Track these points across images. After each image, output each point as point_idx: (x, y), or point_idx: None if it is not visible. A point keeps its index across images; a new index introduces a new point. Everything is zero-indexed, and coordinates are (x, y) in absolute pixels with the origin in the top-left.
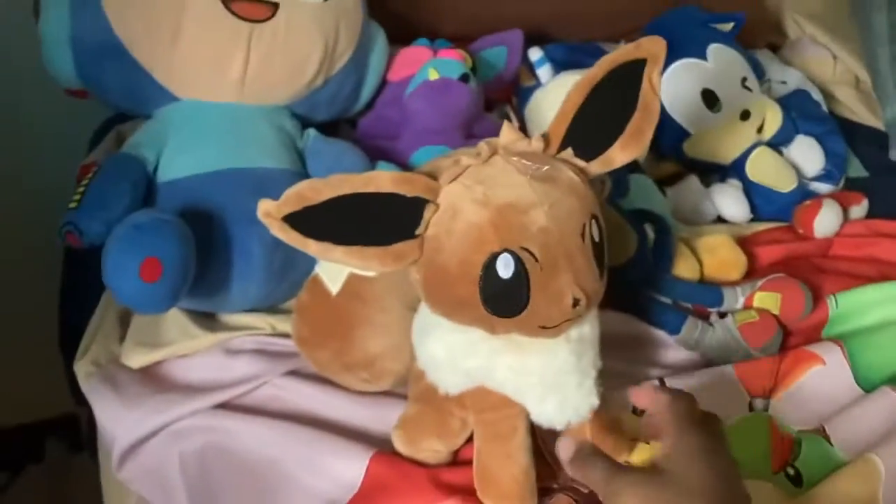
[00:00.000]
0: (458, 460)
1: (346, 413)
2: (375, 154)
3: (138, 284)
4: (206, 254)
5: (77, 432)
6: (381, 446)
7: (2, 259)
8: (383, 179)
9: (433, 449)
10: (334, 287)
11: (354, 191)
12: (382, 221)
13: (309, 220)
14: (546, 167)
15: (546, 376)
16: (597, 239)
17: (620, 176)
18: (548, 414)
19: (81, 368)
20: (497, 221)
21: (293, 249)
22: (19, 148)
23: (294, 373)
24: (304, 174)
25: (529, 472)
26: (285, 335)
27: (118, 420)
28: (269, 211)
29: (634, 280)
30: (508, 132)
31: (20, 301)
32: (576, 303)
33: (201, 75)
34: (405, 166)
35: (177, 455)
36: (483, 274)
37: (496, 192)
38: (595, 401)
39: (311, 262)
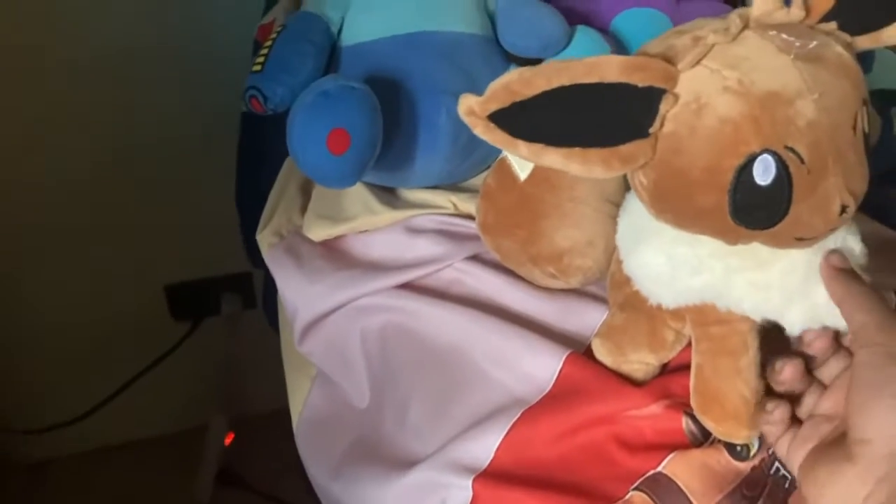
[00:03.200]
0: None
1: (533, 307)
2: (570, 17)
3: (325, 156)
4: (391, 125)
5: (251, 290)
6: (572, 346)
7: (180, 118)
8: (610, 66)
9: (644, 362)
10: (523, 172)
11: (573, 81)
12: (607, 117)
13: (518, 118)
14: (814, 43)
15: (789, 286)
16: (866, 129)
17: (864, 53)
18: (794, 322)
19: (264, 239)
20: (758, 115)
21: None
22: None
23: (477, 257)
24: (495, 40)
25: (760, 393)
26: (467, 216)
27: (301, 293)
28: (472, 108)
29: (872, 174)
30: None
31: (201, 161)
32: (843, 209)
33: None
34: (605, 31)
35: (358, 332)
36: (736, 180)
37: (754, 77)
38: None
39: None
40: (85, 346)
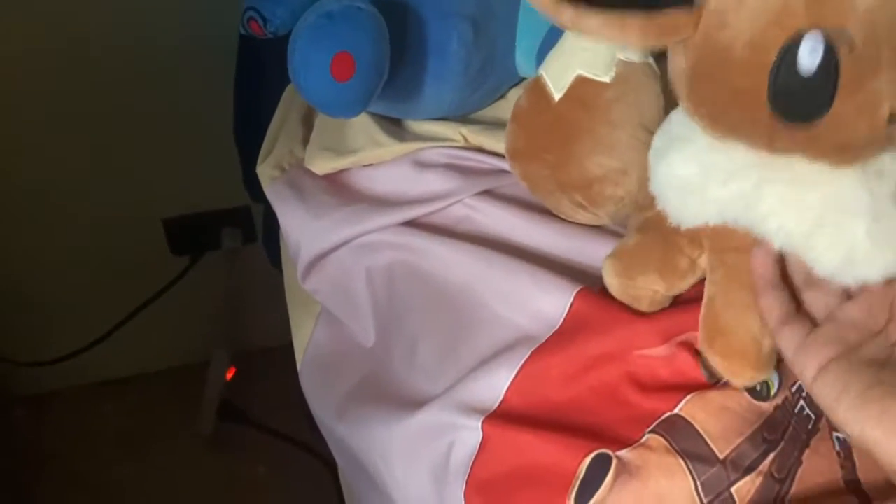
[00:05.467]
0: (677, 301)
1: (547, 242)
2: None
3: (329, 82)
4: (399, 51)
5: (251, 224)
6: (586, 282)
7: (178, 50)
8: None
9: (651, 288)
10: (557, 91)
11: None
12: None
13: None
14: None
15: (827, 213)
16: None
17: None
18: (825, 262)
19: (265, 172)
20: None
21: (493, 50)
22: None
23: (488, 193)
24: None
25: (772, 334)
26: (478, 149)
27: (304, 228)
28: None
29: None
30: None
31: (200, 93)
32: (893, 117)
33: None
34: None
35: (364, 269)
36: (779, 59)
37: None
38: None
39: (510, 67)
40: (85, 280)
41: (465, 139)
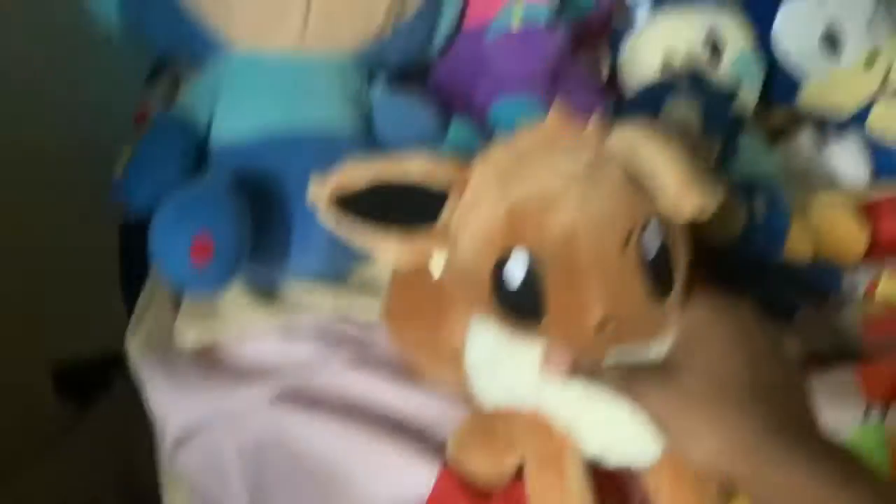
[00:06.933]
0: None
1: (414, 410)
2: (453, 104)
3: (188, 265)
4: (263, 225)
5: None
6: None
7: (68, 198)
8: (414, 169)
9: (481, 467)
10: (437, 270)
11: (386, 180)
12: (416, 209)
13: (353, 207)
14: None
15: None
16: (652, 251)
17: (729, 137)
18: (602, 454)
19: (134, 345)
20: (511, 216)
21: None
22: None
23: (355, 360)
24: (371, 135)
25: None
26: (346, 317)
27: (170, 405)
28: (317, 195)
29: (734, 266)
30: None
31: (89, 236)
32: (602, 325)
33: (259, 12)
34: (484, 120)
35: (234, 445)
36: (493, 277)
37: (522, 181)
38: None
39: None
40: None
41: (334, 306)
